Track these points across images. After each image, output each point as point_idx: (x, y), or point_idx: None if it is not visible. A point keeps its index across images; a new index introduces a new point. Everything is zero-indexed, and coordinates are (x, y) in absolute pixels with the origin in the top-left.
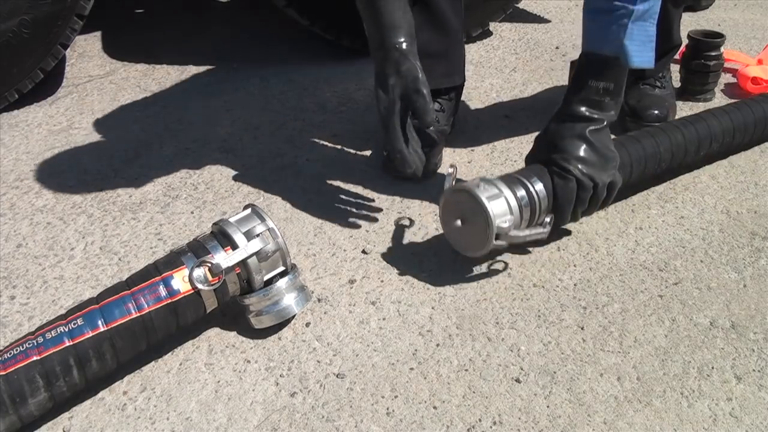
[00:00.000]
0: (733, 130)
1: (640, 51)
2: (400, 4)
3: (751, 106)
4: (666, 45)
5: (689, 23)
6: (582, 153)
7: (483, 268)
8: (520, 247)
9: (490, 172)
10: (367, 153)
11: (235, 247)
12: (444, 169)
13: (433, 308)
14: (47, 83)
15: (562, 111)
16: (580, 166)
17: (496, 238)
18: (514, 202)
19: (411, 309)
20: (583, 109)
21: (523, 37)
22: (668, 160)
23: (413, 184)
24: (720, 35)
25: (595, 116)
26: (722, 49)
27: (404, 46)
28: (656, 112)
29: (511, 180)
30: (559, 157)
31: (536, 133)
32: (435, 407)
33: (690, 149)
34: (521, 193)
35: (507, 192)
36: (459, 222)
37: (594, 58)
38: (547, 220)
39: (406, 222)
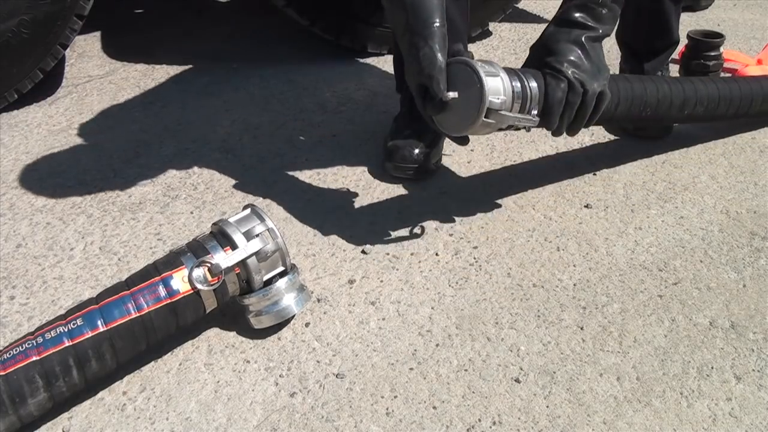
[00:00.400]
0: (718, 98)
1: None
2: None
3: (739, 83)
4: (664, 42)
5: (689, 23)
6: (575, 58)
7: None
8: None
9: (491, 172)
10: (367, 153)
11: (234, 247)
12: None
13: (432, 308)
14: (47, 83)
15: (559, 16)
16: (572, 70)
17: (486, 115)
18: (508, 86)
19: (410, 309)
20: (578, 15)
21: (523, 37)
22: (653, 107)
23: (412, 183)
24: (719, 35)
25: (591, 24)
26: (722, 49)
27: (435, 28)
28: None
29: (509, 70)
30: (553, 60)
31: (536, 135)
32: (434, 407)
33: (675, 103)
34: (517, 84)
35: (504, 76)
36: (453, 95)
37: None
38: (534, 112)
39: (406, 222)
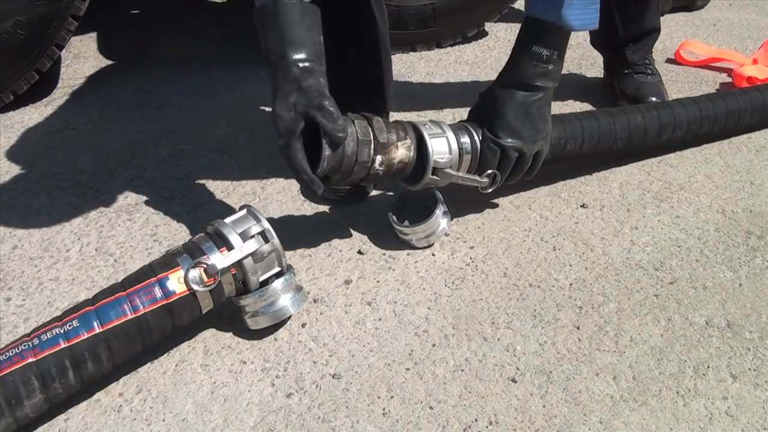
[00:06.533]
0: (700, 120)
1: (581, 15)
2: (306, 23)
3: (725, 99)
4: (639, 29)
5: (684, 23)
6: (515, 123)
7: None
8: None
9: None
10: None
11: (230, 247)
12: None
13: (428, 308)
14: (43, 84)
15: (508, 76)
16: (509, 138)
17: (433, 173)
18: (455, 145)
19: (407, 309)
20: (527, 75)
21: None
22: (625, 139)
23: (408, 183)
24: None
25: (539, 84)
26: None
27: (307, 64)
28: (654, 99)
29: (458, 127)
30: (495, 124)
31: None
32: (431, 407)
33: (650, 131)
34: (465, 139)
35: (450, 135)
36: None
37: (536, 24)
38: (489, 171)
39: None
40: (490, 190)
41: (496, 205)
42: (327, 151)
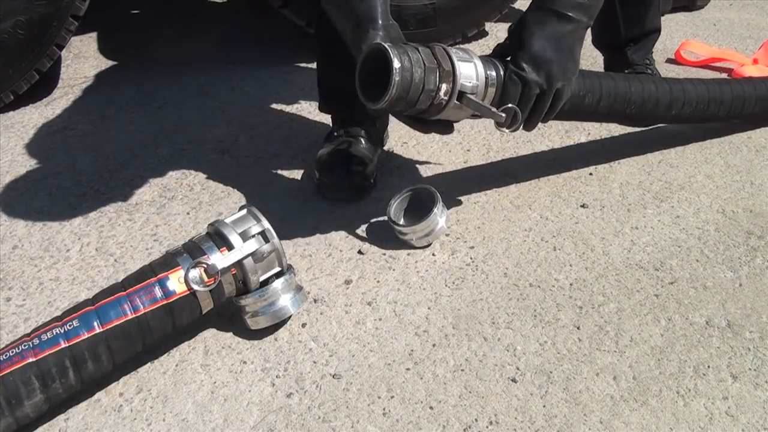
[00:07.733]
0: (707, 100)
1: None
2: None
3: (731, 84)
4: (640, 29)
5: (684, 23)
6: (542, 55)
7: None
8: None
9: (487, 172)
10: None
11: (230, 247)
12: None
13: (429, 308)
14: (43, 84)
15: (540, 3)
16: (533, 71)
17: (458, 98)
18: (482, 73)
19: (407, 309)
20: (562, 3)
21: None
22: (638, 105)
23: (408, 183)
24: None
25: (572, 15)
26: None
27: (385, 30)
28: None
29: (486, 59)
30: (519, 56)
31: (532, 134)
32: (431, 407)
33: (662, 102)
34: (492, 72)
35: (477, 61)
36: None
37: None
38: (509, 106)
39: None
40: (508, 131)
41: (496, 205)
42: (397, 77)
